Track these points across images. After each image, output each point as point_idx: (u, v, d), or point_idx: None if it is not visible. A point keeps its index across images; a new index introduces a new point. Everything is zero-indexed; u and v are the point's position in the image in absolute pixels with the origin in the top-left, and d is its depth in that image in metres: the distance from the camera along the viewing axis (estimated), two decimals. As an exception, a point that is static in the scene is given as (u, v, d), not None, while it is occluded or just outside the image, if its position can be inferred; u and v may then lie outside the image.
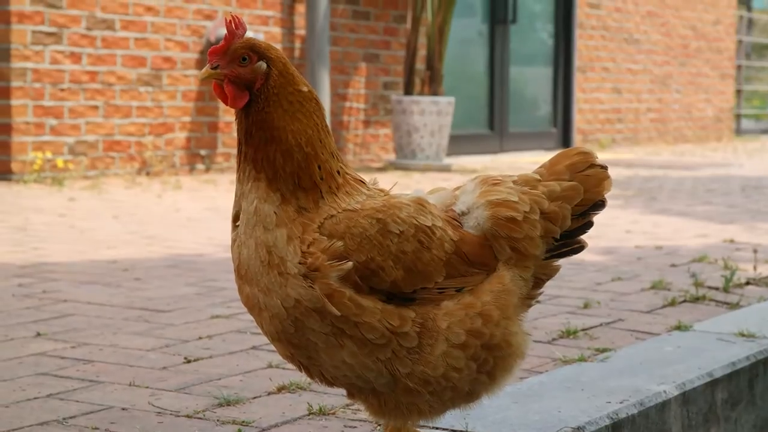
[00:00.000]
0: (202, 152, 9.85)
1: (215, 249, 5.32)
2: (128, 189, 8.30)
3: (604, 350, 3.29)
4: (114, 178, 8.99)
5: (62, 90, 8.72)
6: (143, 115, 9.35)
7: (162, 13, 9.46)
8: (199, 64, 9.72)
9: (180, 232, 5.94)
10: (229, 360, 3.12)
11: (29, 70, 8.48)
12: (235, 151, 2.21)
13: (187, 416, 2.58)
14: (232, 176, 8.97)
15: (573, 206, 2.30)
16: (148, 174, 9.37)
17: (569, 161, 2.33)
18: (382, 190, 2.22)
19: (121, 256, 5.03)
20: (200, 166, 9.83)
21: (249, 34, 2.19)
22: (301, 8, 10.68)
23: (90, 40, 8.91)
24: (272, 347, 2.29)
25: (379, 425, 2.37)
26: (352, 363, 2.11)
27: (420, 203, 2.18)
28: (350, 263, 2.07)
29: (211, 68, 2.14)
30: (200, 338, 3.39)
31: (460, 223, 2.22)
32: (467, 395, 2.20)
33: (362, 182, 2.21)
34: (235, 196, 2.17)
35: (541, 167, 2.35)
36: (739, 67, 20.21)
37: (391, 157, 11.51)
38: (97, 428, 2.48)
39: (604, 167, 2.35)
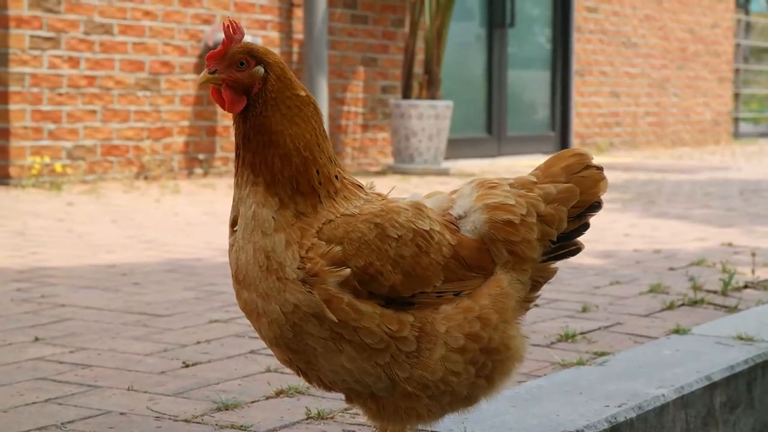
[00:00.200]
0: (201, 156, 9.85)
1: (213, 253, 5.31)
2: (126, 193, 8.30)
3: (602, 354, 3.29)
4: (112, 183, 8.99)
5: (60, 94, 8.72)
6: (141, 120, 9.35)
7: (160, 18, 9.46)
8: (198, 69, 9.73)
9: (178, 237, 5.94)
10: (227, 364, 3.12)
11: (27, 75, 8.47)
12: (233, 156, 2.20)
13: (186, 421, 2.58)
14: (231, 180, 8.96)
15: (569, 208, 2.30)
16: (146, 178, 9.37)
17: (565, 163, 2.33)
18: (379, 195, 2.22)
19: (119, 261, 5.03)
20: (198, 171, 9.83)
21: (247, 38, 2.19)
22: (299, 12, 10.69)
23: (88, 44, 8.91)
24: (270, 351, 2.29)
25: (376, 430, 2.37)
26: (351, 368, 2.10)
27: (418, 207, 2.19)
28: (348, 270, 2.07)
29: (209, 73, 2.14)
30: (199, 342, 3.39)
31: (457, 227, 2.22)
32: (466, 399, 2.20)
33: (360, 187, 2.21)
34: (233, 200, 2.17)
35: (536, 169, 2.35)
36: (737, 71, 20.22)
37: (390, 161, 11.51)
38: (95, 433, 2.48)
39: (599, 168, 2.35)
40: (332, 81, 10.97)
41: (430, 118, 10.82)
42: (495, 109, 13.58)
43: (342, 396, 2.25)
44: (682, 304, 4.14)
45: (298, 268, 2.07)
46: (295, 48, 10.71)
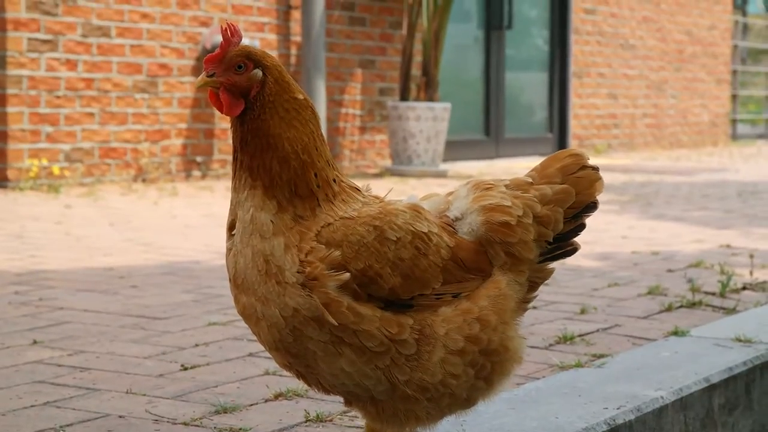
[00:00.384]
0: (198, 159, 9.85)
1: (212, 256, 5.31)
2: (124, 196, 8.30)
3: (601, 356, 3.29)
4: (110, 185, 8.99)
5: (58, 97, 8.72)
6: (139, 122, 9.35)
7: (158, 20, 9.46)
8: (195, 71, 9.73)
9: (176, 239, 5.94)
10: (225, 367, 3.12)
11: (25, 78, 8.47)
12: (231, 158, 2.20)
13: (184, 424, 2.58)
14: (229, 183, 8.96)
15: (565, 209, 2.30)
16: (144, 181, 9.37)
17: (560, 164, 2.33)
18: (376, 197, 2.22)
19: (117, 264, 5.02)
20: (196, 173, 9.83)
21: (245, 41, 2.19)
22: (296, 15, 10.69)
23: (86, 47, 8.91)
24: (269, 355, 2.29)
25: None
26: (351, 371, 2.10)
27: (416, 210, 2.19)
28: (348, 274, 2.07)
29: (207, 76, 2.14)
30: (197, 345, 3.39)
31: (454, 229, 2.22)
32: (465, 401, 2.20)
33: (357, 190, 2.21)
34: (231, 204, 2.17)
35: (532, 170, 2.35)
36: (734, 72, 20.23)
37: (387, 163, 11.51)
38: (94, 436, 2.48)
39: (595, 168, 2.35)
40: (330, 83, 10.97)
41: (428, 120, 10.82)
42: (493, 111, 13.59)
43: (341, 399, 2.25)
44: (681, 306, 4.14)
45: (298, 272, 2.06)
46: (293, 50, 10.71)
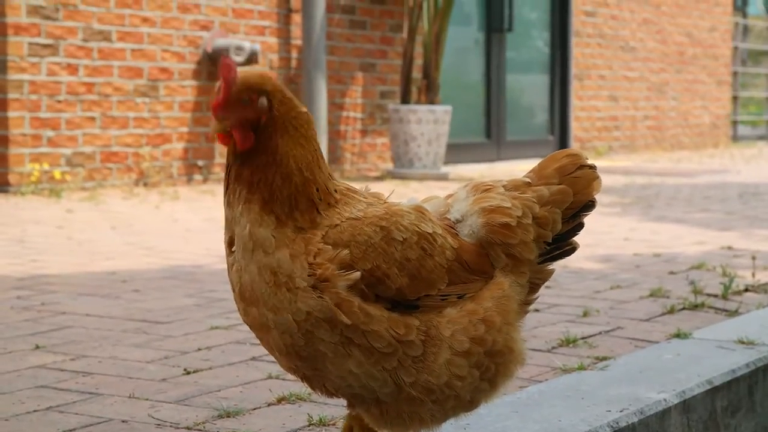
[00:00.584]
0: (200, 163, 9.85)
1: (213, 260, 5.31)
2: (126, 200, 8.30)
3: (603, 358, 3.29)
4: (111, 189, 8.99)
5: (59, 102, 8.73)
6: (140, 126, 9.35)
7: (158, 24, 9.47)
8: (196, 75, 9.73)
9: (178, 243, 5.94)
10: (228, 371, 3.12)
11: (26, 82, 8.48)
12: (230, 164, 2.18)
13: (187, 428, 2.58)
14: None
15: (563, 210, 2.30)
16: (145, 185, 9.37)
17: (558, 164, 2.34)
18: (377, 196, 2.22)
19: (119, 268, 5.02)
20: (198, 177, 9.83)
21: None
22: (297, 18, 10.69)
23: (86, 51, 8.91)
24: (272, 358, 2.29)
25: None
26: (359, 372, 2.10)
27: (420, 211, 2.20)
28: (358, 273, 2.07)
29: (219, 122, 2.11)
30: (199, 349, 3.38)
31: (456, 231, 2.23)
32: (468, 403, 2.20)
33: (356, 191, 2.21)
34: (226, 219, 2.15)
35: (531, 171, 2.36)
36: (735, 74, 20.23)
37: (389, 166, 11.51)
38: (97, 441, 2.48)
39: (593, 167, 2.35)
40: (331, 86, 10.98)
41: (429, 123, 10.82)
42: (494, 113, 13.59)
43: (344, 402, 2.25)
44: (683, 308, 4.14)
45: (309, 275, 2.06)
46: (294, 54, 10.72)
